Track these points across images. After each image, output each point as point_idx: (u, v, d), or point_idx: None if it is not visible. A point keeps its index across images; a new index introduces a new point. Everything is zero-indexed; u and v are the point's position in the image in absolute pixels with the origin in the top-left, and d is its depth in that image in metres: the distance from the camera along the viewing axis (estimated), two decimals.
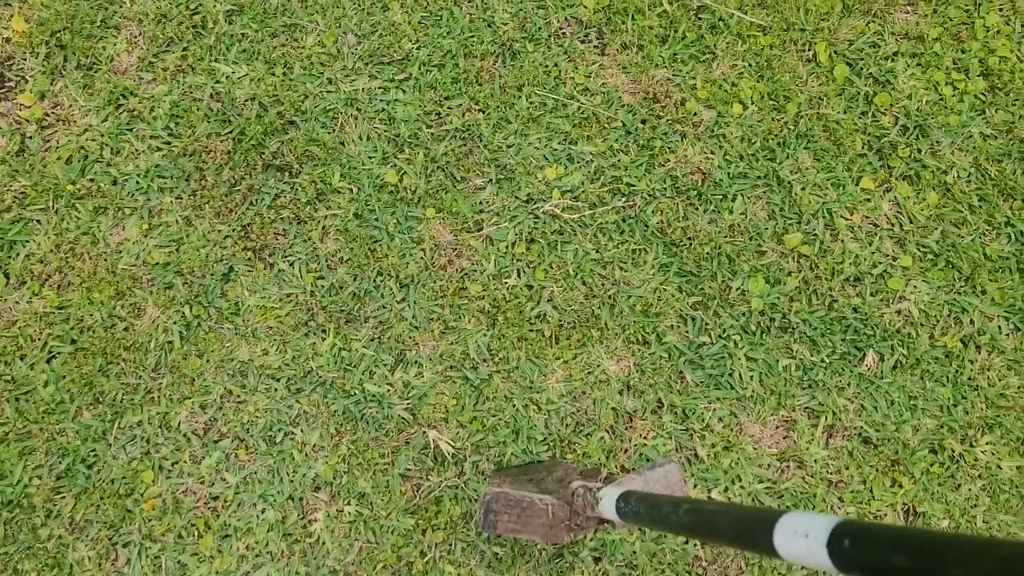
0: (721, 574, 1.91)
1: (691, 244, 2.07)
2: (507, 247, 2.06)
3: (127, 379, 1.93)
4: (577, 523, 1.42)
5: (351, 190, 2.07)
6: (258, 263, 2.02)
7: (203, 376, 1.95)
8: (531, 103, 2.17)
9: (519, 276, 2.05)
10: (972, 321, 2.06)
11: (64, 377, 1.92)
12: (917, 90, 2.21)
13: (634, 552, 1.89)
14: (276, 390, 1.94)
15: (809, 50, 2.25)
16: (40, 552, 1.85)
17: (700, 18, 2.26)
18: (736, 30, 2.24)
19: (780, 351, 2.02)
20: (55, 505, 1.86)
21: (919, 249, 2.10)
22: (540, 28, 2.22)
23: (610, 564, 1.88)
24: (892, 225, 2.12)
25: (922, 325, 2.05)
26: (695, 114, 2.18)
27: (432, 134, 2.13)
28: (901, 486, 1.96)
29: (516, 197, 2.10)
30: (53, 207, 2.02)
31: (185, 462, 1.90)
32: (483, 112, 2.16)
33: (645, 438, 1.96)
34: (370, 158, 2.10)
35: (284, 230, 2.05)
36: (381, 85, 2.15)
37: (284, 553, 1.85)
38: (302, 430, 1.92)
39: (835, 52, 2.24)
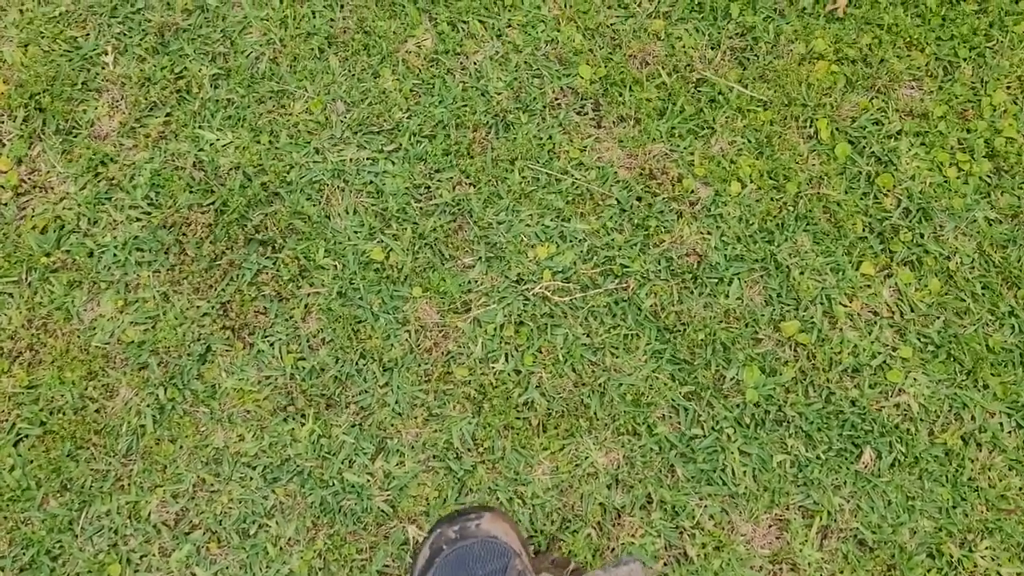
0: None
1: (685, 330, 1.88)
2: (495, 329, 1.86)
3: (96, 465, 1.74)
4: None
5: (335, 267, 1.88)
6: (237, 343, 1.83)
7: (176, 463, 1.75)
8: (524, 177, 1.97)
9: (507, 360, 1.85)
10: (973, 417, 1.87)
11: (31, 462, 1.73)
12: (920, 171, 2.01)
13: None
14: (251, 479, 1.75)
15: (810, 127, 2.05)
16: None
17: (699, 91, 2.06)
18: (736, 104, 2.04)
19: (775, 446, 1.83)
20: None
21: (920, 339, 1.90)
22: (535, 99, 2.02)
23: None
24: (892, 313, 1.92)
25: (921, 420, 1.86)
26: (692, 192, 1.98)
27: (421, 208, 1.93)
28: None
29: (506, 277, 1.90)
30: (26, 280, 1.83)
31: (154, 555, 1.70)
32: (474, 186, 1.96)
33: (633, 536, 1.77)
34: (356, 233, 1.90)
35: (265, 308, 1.85)
36: (370, 156, 1.95)
37: None
38: (277, 522, 1.73)
39: (837, 129, 2.04)
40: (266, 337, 1.86)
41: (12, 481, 1.74)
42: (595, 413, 1.86)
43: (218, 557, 1.75)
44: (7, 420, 1.77)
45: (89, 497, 1.75)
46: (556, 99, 2.07)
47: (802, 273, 1.97)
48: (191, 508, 1.77)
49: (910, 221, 2.02)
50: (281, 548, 1.75)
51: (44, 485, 1.75)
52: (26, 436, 1.78)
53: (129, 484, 1.77)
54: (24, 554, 1.72)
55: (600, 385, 1.88)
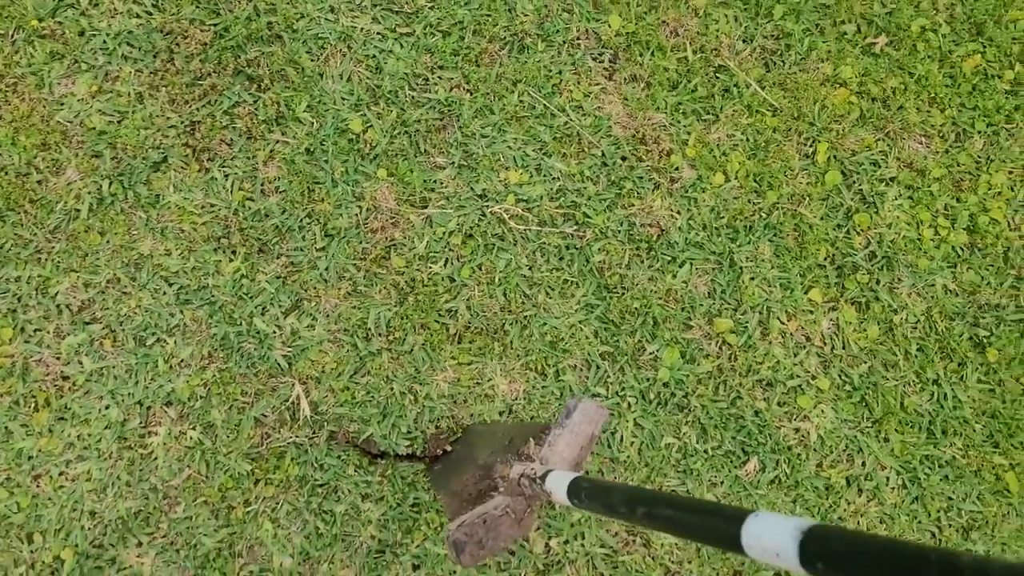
0: None
1: (623, 294, 1.89)
2: (444, 233, 1.87)
3: (21, 231, 1.75)
4: (534, 505, 1.30)
5: (312, 124, 1.88)
6: (194, 163, 1.83)
7: (97, 255, 1.76)
8: (521, 101, 1.97)
9: (445, 266, 1.86)
10: (864, 464, 1.89)
11: None
12: (899, 222, 2.02)
13: (453, 573, 1.73)
14: (165, 294, 1.76)
15: (810, 146, 2.05)
16: None
17: (717, 77, 2.06)
18: (747, 101, 2.04)
19: (669, 428, 1.85)
20: None
21: (840, 377, 1.92)
22: (558, 31, 2.01)
23: (425, 575, 1.72)
24: (824, 344, 1.94)
25: (814, 451, 1.88)
26: (677, 169, 1.99)
27: (413, 97, 1.93)
28: None
29: (471, 188, 1.91)
30: (11, 36, 1.83)
31: (49, 332, 1.72)
32: (471, 94, 1.96)
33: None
34: (343, 99, 1.90)
35: (231, 140, 1.86)
36: (381, 31, 1.95)
37: (112, 455, 1.69)
38: (175, 341, 1.74)
39: (835, 157, 2.04)
40: (224, 167, 1.87)
41: None
42: (511, 342, 1.88)
43: (109, 355, 1.76)
44: None
45: (4, 259, 1.77)
46: (578, 38, 2.06)
47: (752, 279, 1.98)
48: (98, 301, 1.78)
49: (872, 265, 2.03)
50: (172, 366, 1.77)
51: None
52: None
53: (47, 260, 1.78)
54: None
55: (525, 318, 1.89)
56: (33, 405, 1.73)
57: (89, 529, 1.69)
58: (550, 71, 2.03)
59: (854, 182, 2.07)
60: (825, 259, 2.03)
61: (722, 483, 1.87)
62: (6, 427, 1.70)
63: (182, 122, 1.87)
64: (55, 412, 1.73)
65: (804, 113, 2.09)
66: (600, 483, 1.09)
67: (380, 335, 1.84)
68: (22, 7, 1.85)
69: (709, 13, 2.12)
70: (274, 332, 1.81)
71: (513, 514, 1.28)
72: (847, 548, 0.63)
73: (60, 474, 1.70)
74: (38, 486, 1.70)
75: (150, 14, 1.90)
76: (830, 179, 2.07)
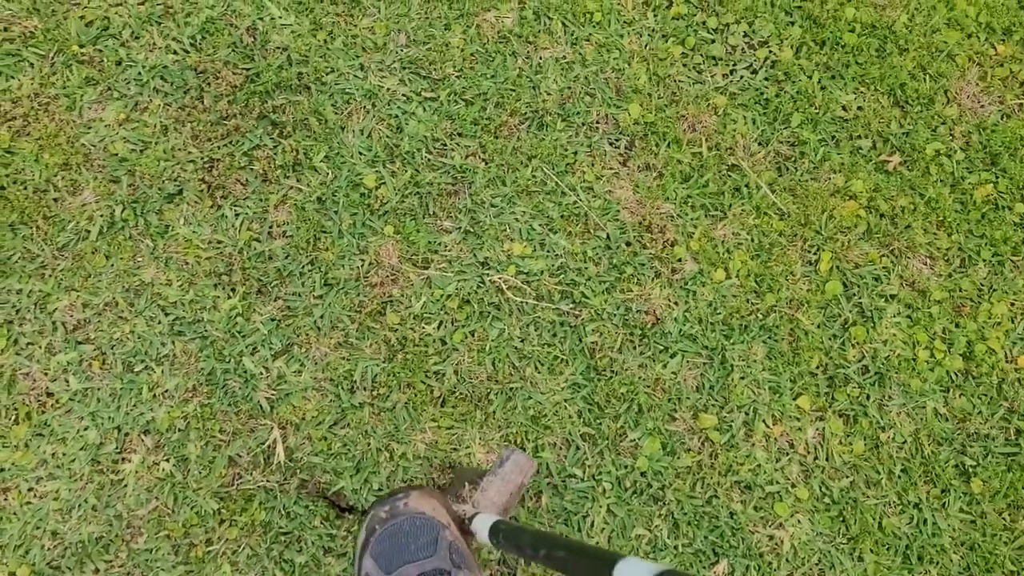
0: None
1: (612, 377, 1.90)
2: (442, 296, 1.90)
3: (30, 246, 1.80)
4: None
5: (327, 174, 1.93)
6: (207, 199, 1.88)
7: (100, 277, 1.80)
8: (534, 176, 2.02)
9: (439, 328, 1.89)
10: None
11: None
12: (895, 340, 2.02)
13: None
14: (159, 322, 1.79)
15: (814, 253, 2.07)
16: None
17: (729, 175, 2.10)
18: (756, 203, 2.08)
19: (641, 519, 1.84)
20: None
21: (820, 489, 1.91)
22: (578, 113, 2.07)
23: None
24: (807, 453, 1.93)
25: (787, 561, 1.86)
26: (679, 260, 2.01)
27: (429, 160, 1.98)
28: None
29: (474, 255, 1.94)
30: (51, 58, 1.90)
31: (40, 348, 1.75)
32: (485, 163, 2.01)
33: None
34: (361, 154, 1.95)
35: (247, 180, 1.91)
36: (406, 93, 2.01)
37: (83, 477, 1.70)
38: (163, 371, 1.77)
39: (838, 267, 2.07)
40: (235, 206, 1.92)
41: None
42: (494, 411, 1.89)
43: (96, 376, 1.79)
44: None
45: (9, 270, 1.81)
46: (597, 122, 2.12)
47: (743, 379, 1.99)
48: (93, 322, 1.81)
49: (864, 379, 2.03)
50: (155, 395, 1.79)
51: None
52: None
53: (50, 276, 1.82)
54: None
55: (511, 389, 1.91)
56: (13, 418, 1.75)
57: (49, 549, 1.69)
58: (566, 150, 2.08)
59: (854, 294, 2.09)
60: (817, 367, 2.03)
61: None
62: None
63: (202, 158, 1.92)
64: (34, 427, 1.74)
65: (811, 221, 2.12)
66: (514, 526, 1.28)
67: (365, 389, 1.85)
68: (66, 31, 1.93)
69: (728, 113, 2.17)
70: (261, 373, 1.83)
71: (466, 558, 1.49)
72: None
73: (29, 490, 1.71)
74: (5, 499, 1.71)
75: (187, 51, 1.98)
76: (831, 289, 2.09)
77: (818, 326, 2.06)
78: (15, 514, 1.70)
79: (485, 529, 1.35)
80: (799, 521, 1.92)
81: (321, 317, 1.88)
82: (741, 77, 2.21)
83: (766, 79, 2.22)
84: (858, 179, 2.17)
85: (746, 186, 2.13)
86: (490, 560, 1.83)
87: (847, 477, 1.97)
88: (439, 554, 1.43)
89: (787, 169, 2.17)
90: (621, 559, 0.87)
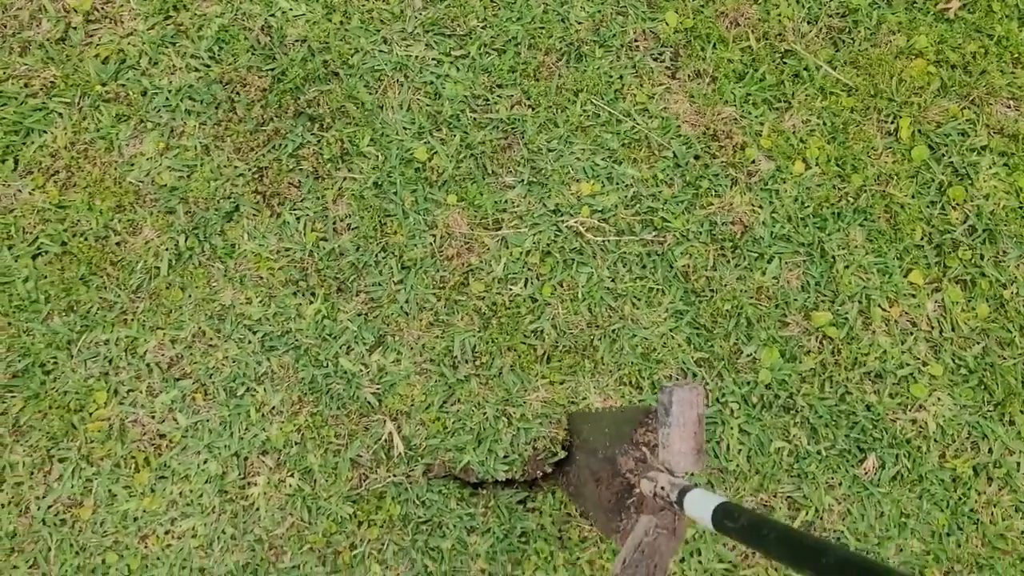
0: None
1: (712, 297, 1.84)
2: (521, 253, 1.85)
3: (106, 294, 1.79)
4: (679, 512, 1.21)
5: (377, 157, 1.88)
6: (265, 209, 1.85)
7: (181, 310, 1.79)
8: (584, 111, 1.95)
9: (526, 286, 1.84)
10: (991, 450, 1.80)
11: (45, 277, 1.78)
12: (997, 191, 1.93)
13: None
14: (249, 342, 1.77)
15: (892, 122, 1.98)
16: None
17: (785, 63, 2.00)
18: (820, 84, 1.98)
19: (777, 431, 1.78)
20: (3, 402, 1.73)
21: (954, 360, 1.84)
22: (614, 35, 1.99)
23: None
24: (932, 328, 1.86)
25: (935, 441, 1.80)
26: (753, 162, 1.93)
27: (475, 119, 1.92)
28: None
29: (544, 204, 1.88)
30: (78, 104, 1.87)
31: (141, 392, 1.74)
32: (532, 109, 1.94)
33: None
34: (405, 129, 1.90)
35: (299, 182, 1.87)
36: (436, 57, 1.95)
37: (215, 509, 1.70)
38: (265, 389, 1.75)
39: (919, 131, 1.97)
40: (294, 210, 1.88)
41: (23, 291, 1.80)
42: (602, 357, 1.84)
43: (202, 408, 1.78)
44: (32, 233, 1.83)
45: (92, 323, 1.80)
46: (635, 40, 2.03)
47: (847, 267, 1.91)
48: (186, 356, 1.80)
49: (973, 240, 1.94)
50: (263, 415, 1.78)
51: (52, 302, 1.80)
52: (46, 251, 1.83)
53: (132, 320, 1.81)
54: (20, 361, 1.77)
55: (614, 331, 1.86)
56: (133, 466, 1.75)
57: None
58: (611, 77, 2.00)
59: (943, 155, 1.99)
60: (922, 239, 1.94)
61: (840, 484, 1.80)
62: (110, 490, 1.73)
63: (249, 169, 1.89)
64: (155, 471, 1.74)
65: (881, 89, 2.02)
66: (753, 513, 1.00)
67: (467, 361, 1.82)
68: (85, 74, 1.90)
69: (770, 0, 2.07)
70: (360, 370, 1.80)
71: (664, 530, 1.25)
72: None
73: (166, 532, 1.72)
74: (146, 546, 1.72)
75: (208, 66, 1.93)
76: (917, 155, 2.00)
77: (913, 196, 1.97)
78: (159, 559, 1.71)
79: (704, 511, 1.07)
80: (939, 399, 1.85)
81: (406, 301, 1.85)
82: None
83: None
84: (920, 35, 2.06)
85: (805, 70, 2.04)
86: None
87: (978, 343, 1.89)
88: None
89: (844, 42, 2.06)
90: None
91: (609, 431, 1.45)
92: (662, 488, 1.21)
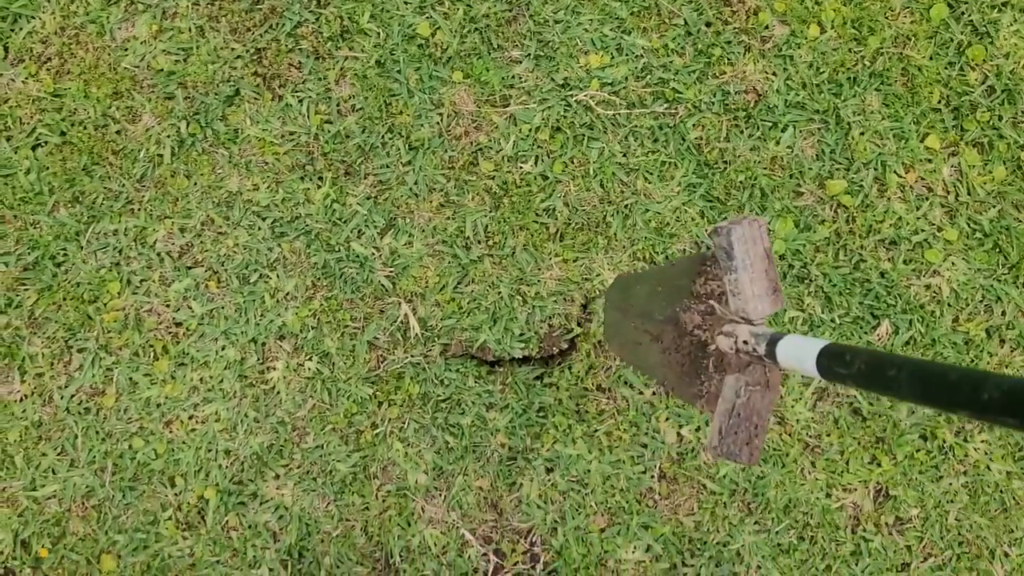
0: (672, 509, 1.74)
1: (726, 168, 1.81)
2: (530, 130, 1.81)
3: (110, 184, 1.76)
4: (767, 362, 1.05)
5: (378, 34, 1.82)
6: (266, 92, 1.80)
7: (187, 198, 1.76)
8: None
9: (536, 164, 1.81)
10: (1004, 312, 1.80)
11: (47, 168, 1.75)
12: (1018, 50, 1.87)
13: (588, 471, 1.72)
14: (259, 229, 1.76)
15: None
16: None
17: None
18: None
19: (791, 301, 1.79)
20: (17, 295, 1.73)
21: (969, 224, 1.82)
22: None
23: (561, 477, 1.72)
24: (947, 193, 1.83)
25: (949, 305, 1.80)
26: (766, 27, 1.87)
27: None
28: (880, 465, 1.76)
29: (552, 79, 1.83)
30: None
31: (154, 282, 1.74)
32: None
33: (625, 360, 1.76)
34: (406, 3, 1.83)
35: (300, 63, 1.81)
36: None
37: (236, 394, 1.71)
38: (278, 275, 1.74)
39: None
40: (296, 92, 1.83)
41: (26, 183, 1.77)
42: (615, 233, 1.82)
43: (216, 296, 1.77)
44: (29, 123, 1.78)
45: (98, 213, 1.78)
46: None
47: (862, 134, 1.87)
48: (196, 244, 1.78)
49: (991, 101, 1.90)
50: (278, 300, 1.77)
51: (56, 193, 1.77)
52: (45, 142, 1.79)
53: (139, 209, 1.79)
54: (29, 254, 1.76)
55: (626, 207, 1.83)
56: (152, 354, 1.76)
57: (227, 467, 1.73)
58: None
59: (962, 13, 1.92)
60: (939, 102, 1.90)
61: None
62: (131, 379, 1.74)
63: (247, 51, 1.83)
64: (174, 359, 1.75)
65: None
66: (871, 353, 0.82)
67: (479, 242, 1.80)
68: None
69: None
70: (373, 254, 1.79)
71: (757, 385, 1.10)
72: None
73: (190, 418, 1.74)
74: (171, 432, 1.74)
75: None
76: (935, 14, 1.93)
77: (931, 58, 1.91)
78: (185, 443, 1.74)
79: (805, 360, 0.91)
80: (953, 263, 1.85)
81: (415, 183, 1.82)
82: None
83: None
84: None
85: None
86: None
87: (994, 206, 1.87)
88: None
89: None
90: (989, 377, 0.64)
91: (663, 289, 1.29)
92: (744, 342, 1.06)
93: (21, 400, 1.76)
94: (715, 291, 1.14)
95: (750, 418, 1.10)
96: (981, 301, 1.85)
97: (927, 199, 1.88)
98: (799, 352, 0.92)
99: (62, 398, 1.75)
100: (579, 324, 1.82)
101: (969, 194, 1.89)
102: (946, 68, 1.92)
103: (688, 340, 1.20)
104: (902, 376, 0.75)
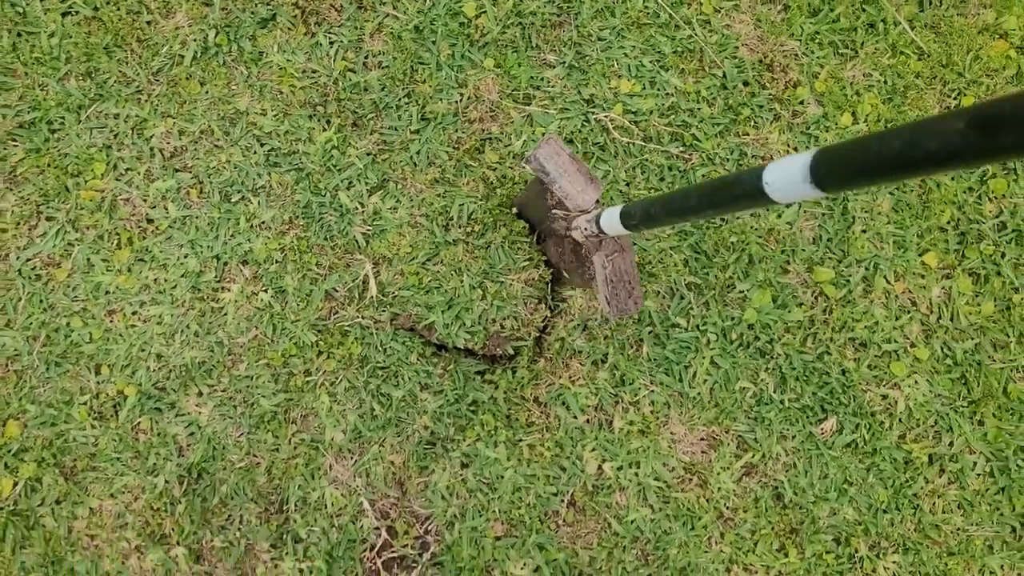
0: (572, 538, 1.71)
1: (721, 226, 1.79)
2: (543, 134, 1.79)
3: (126, 69, 1.76)
4: (614, 237, 1.38)
5: (425, 1, 1.81)
6: (300, 25, 1.80)
7: (195, 104, 1.76)
8: (646, 7, 1.86)
9: None
10: (952, 444, 1.77)
11: (70, 37, 1.76)
12: None
13: (501, 477, 1.70)
14: (255, 153, 1.75)
15: (955, 98, 1.88)
16: None
17: (864, 9, 1.90)
18: (893, 40, 1.88)
19: (746, 372, 1.76)
20: (5, 149, 1.73)
21: (943, 349, 1.79)
22: None
23: (473, 475, 1.70)
24: (931, 312, 1.80)
25: (900, 421, 1.77)
26: (801, 102, 1.85)
27: None
28: (787, 555, 1.73)
29: (579, 91, 1.82)
30: None
31: (139, 174, 1.74)
32: None
33: (573, 380, 1.74)
34: None
35: (341, 6, 1.81)
36: None
37: (185, 304, 1.71)
38: (259, 202, 1.74)
39: None
40: (329, 34, 1.83)
41: (47, 45, 1.77)
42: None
43: (194, 205, 1.77)
44: None
45: (106, 94, 1.78)
46: None
47: (864, 231, 1.85)
48: (190, 150, 1.78)
49: (999, 236, 1.87)
50: (253, 226, 1.77)
51: (72, 63, 1.78)
52: (76, 12, 1.80)
53: (146, 101, 1.79)
54: (29, 113, 1.76)
55: None
56: (116, 242, 1.75)
57: (154, 371, 1.72)
58: None
59: None
60: (948, 222, 1.87)
61: (793, 437, 1.78)
62: (88, 259, 1.74)
63: None
64: (136, 252, 1.75)
65: (954, 61, 1.91)
66: (639, 203, 1.16)
67: (460, 227, 1.79)
68: None
69: None
70: (356, 208, 1.78)
71: (615, 253, 1.40)
72: (847, 155, 0.69)
73: (133, 313, 1.73)
74: (111, 321, 1.73)
75: None
76: None
77: (953, 178, 1.89)
78: (121, 335, 1.73)
79: (615, 221, 1.23)
80: (916, 382, 1.82)
81: (418, 153, 1.81)
82: None
83: None
84: (1012, 15, 1.94)
85: (883, 21, 1.93)
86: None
87: (972, 339, 1.84)
88: None
89: (930, 3, 1.94)
90: (765, 168, 0.82)
91: (541, 210, 1.56)
92: (586, 228, 1.37)
93: None
94: (557, 200, 1.44)
95: (622, 279, 1.41)
96: (932, 426, 1.82)
97: (909, 312, 1.85)
98: (611, 220, 1.25)
99: (18, 259, 1.74)
100: (532, 336, 1.80)
101: (952, 320, 1.86)
102: (965, 192, 1.89)
103: (566, 242, 1.53)
104: (659, 211, 1.07)
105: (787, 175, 0.77)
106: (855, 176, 0.68)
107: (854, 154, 0.68)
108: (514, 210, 1.79)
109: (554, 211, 1.47)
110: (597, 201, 1.41)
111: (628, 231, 1.24)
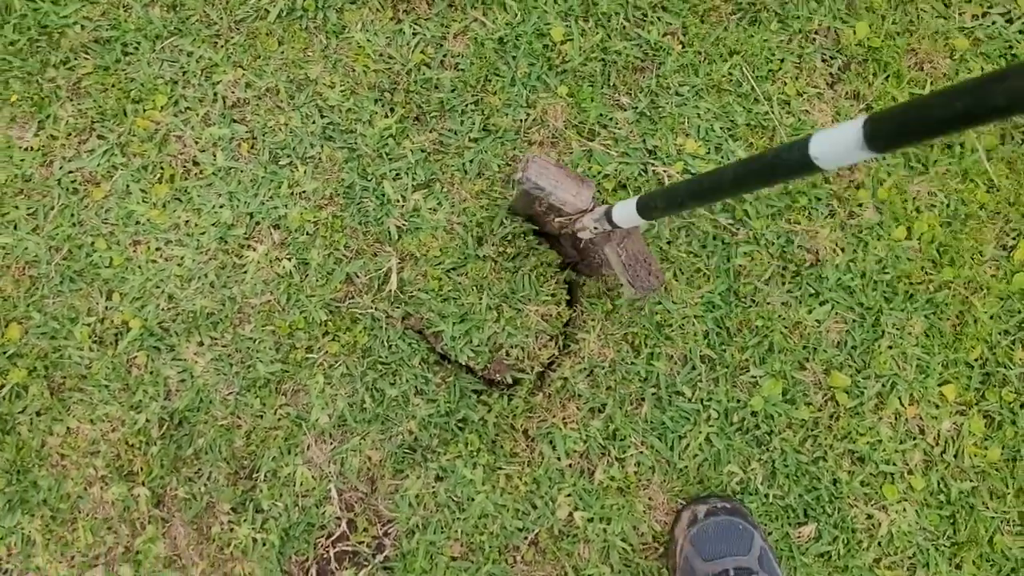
0: None
1: (748, 307, 1.77)
2: (598, 173, 1.78)
3: (211, 11, 1.77)
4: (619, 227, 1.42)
5: (516, 15, 1.81)
6: (389, 9, 1.80)
7: (268, 61, 1.76)
8: (730, 74, 1.84)
9: None
10: None
11: None
12: None
13: (471, 499, 1.68)
14: (314, 122, 1.75)
15: (1013, 238, 1.85)
16: (33, 83, 1.74)
17: None
18: (966, 166, 1.85)
19: (738, 457, 1.73)
20: (76, 59, 1.73)
21: (939, 484, 1.76)
22: (799, 17, 1.86)
23: (445, 490, 1.69)
24: (936, 444, 1.77)
25: (879, 544, 1.73)
26: (860, 205, 1.83)
27: (623, 28, 1.83)
28: None
29: (644, 140, 1.80)
30: None
31: (197, 115, 1.74)
32: (683, 46, 1.84)
33: (565, 422, 1.72)
34: (555, 2, 1.81)
35: (433, 1, 1.80)
36: None
37: (210, 252, 1.71)
38: (306, 172, 1.74)
39: None
40: (415, 24, 1.82)
41: None
42: (621, 305, 1.79)
43: (242, 159, 1.77)
44: None
45: (186, 30, 1.78)
46: (815, 32, 1.90)
47: (891, 348, 1.82)
48: (252, 104, 1.78)
49: (1022, 386, 1.82)
50: (293, 193, 1.77)
51: None
52: None
53: (222, 46, 1.79)
54: (107, 31, 1.78)
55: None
56: (159, 176, 1.76)
57: (163, 310, 1.72)
58: (773, 54, 1.88)
59: None
60: (976, 359, 1.83)
61: (770, 534, 1.75)
62: (127, 186, 1.74)
63: None
64: (175, 191, 1.75)
65: (1021, 201, 1.87)
66: (659, 191, 1.14)
67: (493, 244, 1.78)
68: None
69: (966, 59, 1.92)
70: (398, 200, 1.78)
71: (625, 239, 1.47)
72: (903, 116, 0.67)
73: (157, 249, 1.74)
74: (134, 251, 1.74)
75: None
76: (1019, 281, 1.87)
77: (991, 317, 1.85)
78: (140, 267, 1.73)
79: (632, 213, 1.24)
80: (905, 509, 1.78)
81: (471, 161, 1.80)
82: (993, 22, 1.93)
83: (1021, 32, 1.93)
84: None
85: (960, 144, 1.89)
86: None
87: (971, 481, 1.80)
88: (752, 554, 1.60)
89: (1012, 139, 1.91)
90: (811, 136, 0.80)
91: (533, 213, 1.65)
92: (595, 228, 1.43)
93: (26, 150, 1.77)
94: (553, 208, 1.51)
95: (638, 259, 1.48)
96: (911, 557, 1.78)
97: (915, 439, 1.82)
98: (626, 211, 1.28)
99: (61, 168, 1.75)
100: (535, 371, 1.78)
101: (956, 457, 1.82)
102: (1000, 334, 1.86)
103: (571, 241, 1.61)
104: (685, 193, 1.07)
105: (838, 141, 0.76)
106: (914, 135, 0.68)
107: (908, 116, 0.67)
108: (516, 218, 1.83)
109: (556, 220, 1.55)
110: (592, 198, 1.48)
111: (645, 221, 1.27)
